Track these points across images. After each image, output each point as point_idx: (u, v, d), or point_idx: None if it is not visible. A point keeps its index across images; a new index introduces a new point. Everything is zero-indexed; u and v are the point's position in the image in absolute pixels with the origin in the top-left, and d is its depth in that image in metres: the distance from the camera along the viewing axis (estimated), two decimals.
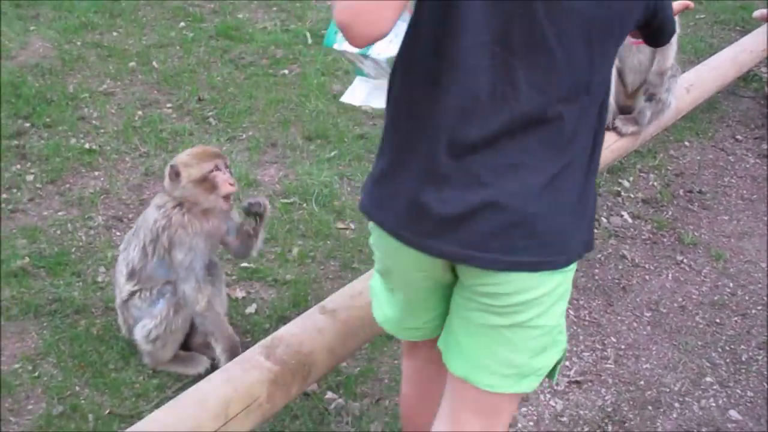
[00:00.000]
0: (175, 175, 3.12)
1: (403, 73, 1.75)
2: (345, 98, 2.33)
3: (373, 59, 2.01)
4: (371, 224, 1.92)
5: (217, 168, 3.14)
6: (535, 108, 1.64)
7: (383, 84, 2.11)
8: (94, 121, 4.92)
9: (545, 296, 1.76)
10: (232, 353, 3.12)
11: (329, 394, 3.20)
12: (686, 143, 5.30)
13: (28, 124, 4.82)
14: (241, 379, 2.33)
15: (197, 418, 2.19)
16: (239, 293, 3.69)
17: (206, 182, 3.13)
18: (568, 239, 1.73)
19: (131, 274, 3.22)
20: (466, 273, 1.78)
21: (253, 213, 3.23)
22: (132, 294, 3.24)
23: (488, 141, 1.65)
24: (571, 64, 1.63)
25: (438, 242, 1.72)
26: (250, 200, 3.20)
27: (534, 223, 1.67)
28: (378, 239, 1.93)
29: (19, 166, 4.46)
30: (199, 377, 3.20)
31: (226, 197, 3.16)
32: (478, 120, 1.65)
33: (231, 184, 3.15)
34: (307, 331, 2.54)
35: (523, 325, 1.78)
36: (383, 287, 2.10)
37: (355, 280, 2.85)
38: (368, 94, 2.22)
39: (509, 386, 1.85)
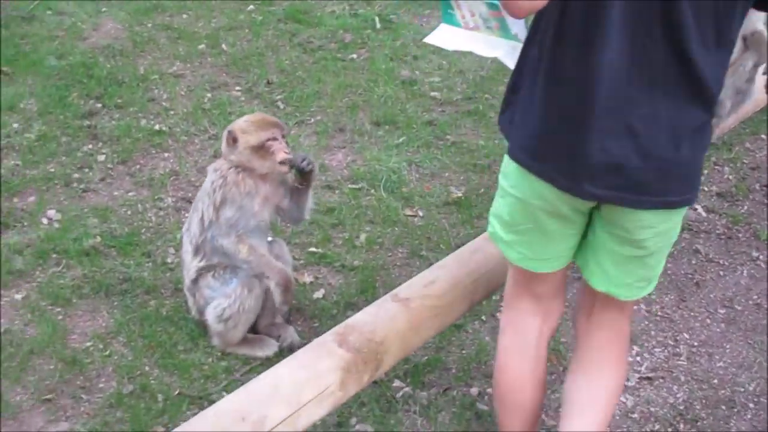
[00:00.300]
0: (233, 140, 3.15)
1: (554, 36, 1.92)
2: (431, 40, 2.44)
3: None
4: (514, 170, 2.13)
5: (274, 137, 3.16)
6: (675, 63, 1.84)
7: (482, 35, 2.33)
8: (164, 103, 4.95)
9: (677, 224, 2.13)
10: (286, 286, 3.21)
11: (396, 383, 3.18)
12: (763, 136, 5.13)
13: (99, 105, 4.87)
14: (314, 365, 2.31)
15: (270, 402, 2.18)
16: (307, 278, 3.68)
17: (262, 150, 3.16)
18: (699, 177, 2.06)
19: (196, 250, 3.24)
20: (615, 211, 2.04)
21: (298, 168, 3.21)
22: (200, 271, 3.26)
23: (639, 94, 1.87)
24: (702, 23, 1.81)
25: (595, 187, 1.96)
26: (297, 154, 3.20)
27: (680, 168, 1.95)
28: (524, 184, 2.12)
29: (90, 146, 4.51)
30: (268, 361, 3.22)
31: (282, 163, 3.17)
32: (628, 77, 1.86)
33: (286, 152, 3.19)
34: (379, 319, 2.51)
35: (661, 250, 2.15)
36: (517, 228, 2.23)
37: (426, 269, 2.81)
38: (469, 39, 2.35)
39: (642, 293, 2.27)
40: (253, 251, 3.18)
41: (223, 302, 3.18)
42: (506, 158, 2.20)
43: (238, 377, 3.14)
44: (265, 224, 3.29)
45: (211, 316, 3.21)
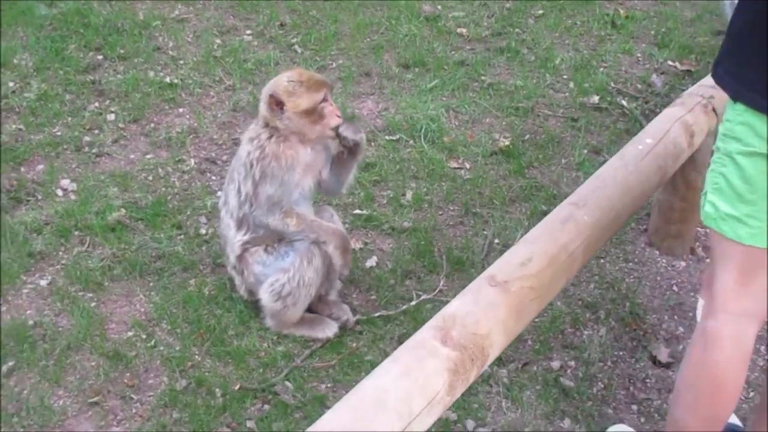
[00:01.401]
0: (276, 104, 2.81)
1: None
2: None
3: None
4: (754, 124, 1.92)
5: (325, 98, 2.84)
6: None
7: None
8: (171, 52, 4.55)
9: None
10: (344, 247, 2.91)
11: None
12: None
13: (100, 57, 4.47)
14: (418, 369, 2.01)
15: (379, 418, 1.89)
16: (356, 244, 3.37)
17: (314, 114, 2.83)
18: None
19: (239, 224, 2.93)
20: None
21: (345, 143, 2.91)
22: (246, 245, 2.95)
23: None
24: None
25: None
26: (344, 131, 2.87)
27: None
28: None
29: (97, 104, 4.13)
30: (328, 342, 2.94)
31: (334, 129, 2.86)
32: None
33: (338, 116, 2.87)
34: (480, 307, 2.21)
35: None
36: (753, 195, 1.98)
37: (515, 244, 2.49)
38: None
39: None
40: (302, 220, 2.87)
41: (280, 278, 2.87)
42: (733, 118, 1.97)
43: (300, 363, 2.85)
44: (309, 191, 2.97)
45: (266, 294, 2.90)
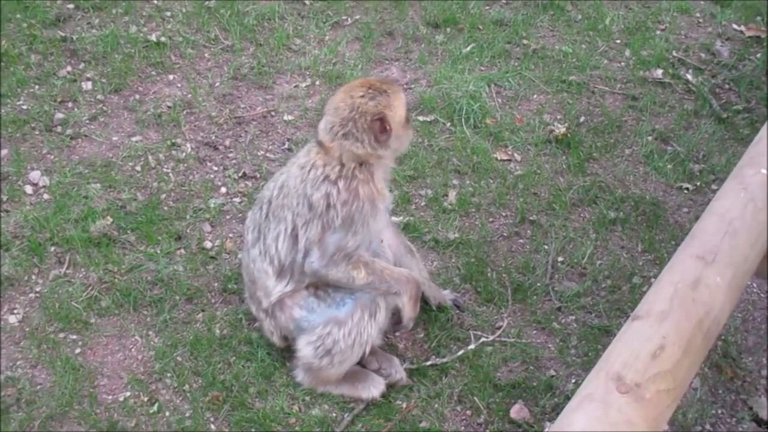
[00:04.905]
0: (386, 128, 2.24)
1: None
2: None
3: None
4: None
5: None
6: None
7: None
8: (155, 1, 3.83)
9: None
10: (416, 297, 2.38)
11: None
12: None
13: (71, 6, 3.74)
14: None
15: None
16: None
17: (408, 122, 2.36)
18: None
19: (281, 272, 2.33)
20: None
21: None
22: (286, 294, 2.36)
23: None
24: None
25: None
26: None
27: None
28: None
29: (69, 69, 3.43)
30: (373, 402, 2.39)
31: None
32: None
33: None
34: (612, 428, 1.67)
35: None
36: None
37: (640, 318, 1.92)
38: None
39: None
40: (371, 270, 2.29)
41: (333, 331, 2.29)
42: None
43: None
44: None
45: (309, 347, 2.31)
